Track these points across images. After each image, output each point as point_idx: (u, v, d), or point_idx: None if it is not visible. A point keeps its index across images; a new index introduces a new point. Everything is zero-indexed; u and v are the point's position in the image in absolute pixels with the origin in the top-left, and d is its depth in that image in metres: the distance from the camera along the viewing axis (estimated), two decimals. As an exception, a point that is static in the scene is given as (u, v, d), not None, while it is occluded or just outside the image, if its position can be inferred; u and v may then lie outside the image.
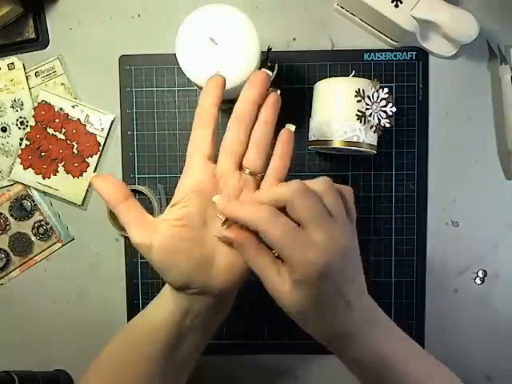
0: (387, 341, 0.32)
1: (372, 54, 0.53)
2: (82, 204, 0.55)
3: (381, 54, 0.54)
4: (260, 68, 0.45)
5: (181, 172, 0.54)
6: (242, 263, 0.33)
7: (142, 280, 0.55)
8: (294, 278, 0.30)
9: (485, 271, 0.55)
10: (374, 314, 0.34)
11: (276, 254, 0.32)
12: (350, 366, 0.34)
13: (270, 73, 0.35)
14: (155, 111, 0.54)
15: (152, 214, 0.54)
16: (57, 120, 0.54)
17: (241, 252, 0.32)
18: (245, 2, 0.53)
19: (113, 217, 0.54)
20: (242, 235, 0.32)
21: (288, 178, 0.54)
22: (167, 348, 0.36)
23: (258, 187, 0.35)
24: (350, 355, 0.32)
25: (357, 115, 0.45)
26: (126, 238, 0.55)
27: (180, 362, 0.37)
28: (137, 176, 0.55)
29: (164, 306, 0.36)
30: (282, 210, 0.32)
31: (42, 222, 0.55)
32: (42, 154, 0.55)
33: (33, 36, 0.54)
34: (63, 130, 0.55)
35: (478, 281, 0.55)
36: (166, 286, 0.37)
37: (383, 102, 0.46)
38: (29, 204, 0.56)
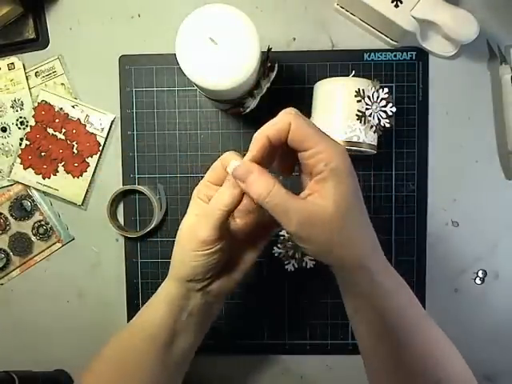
0: (396, 282, 0.35)
1: (372, 53, 0.53)
2: (82, 204, 0.55)
3: (381, 54, 0.54)
4: (260, 68, 0.45)
5: (180, 172, 0.55)
6: (238, 269, 0.39)
7: (141, 280, 0.55)
8: (332, 167, 0.30)
9: (485, 271, 0.55)
10: (377, 242, 0.34)
11: None
12: (343, 288, 0.35)
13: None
14: (155, 111, 0.54)
15: (152, 214, 0.54)
16: (57, 120, 0.54)
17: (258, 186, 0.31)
18: (245, 2, 0.53)
19: (113, 217, 0.54)
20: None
21: (289, 178, 0.54)
22: (164, 345, 0.37)
23: None
24: (356, 286, 0.33)
25: (357, 115, 0.45)
26: (126, 238, 0.55)
27: (176, 360, 0.38)
28: (137, 176, 0.55)
29: (160, 304, 0.38)
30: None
31: (42, 222, 0.55)
32: (42, 154, 0.55)
33: (33, 36, 0.54)
34: (63, 130, 0.55)
35: (478, 281, 0.55)
36: (163, 285, 0.39)
37: (383, 102, 0.46)
38: (29, 204, 0.56)
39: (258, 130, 0.32)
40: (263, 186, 0.31)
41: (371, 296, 0.33)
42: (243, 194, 0.33)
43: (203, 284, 0.37)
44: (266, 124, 0.32)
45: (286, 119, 0.31)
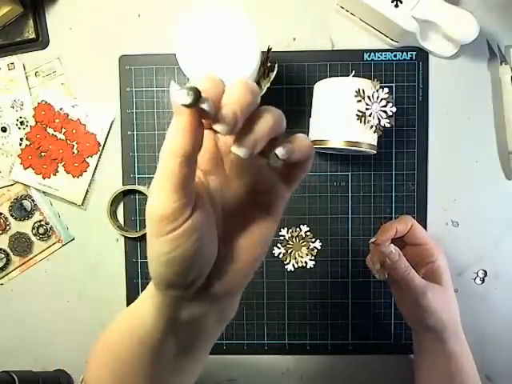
0: (468, 349, 0.46)
1: (372, 53, 0.53)
2: (82, 204, 0.55)
3: (381, 54, 0.54)
4: (260, 68, 0.45)
5: (181, 172, 0.55)
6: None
7: (141, 280, 0.55)
8: (440, 262, 0.45)
9: (485, 271, 0.55)
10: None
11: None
12: (430, 348, 0.45)
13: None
14: (155, 111, 0.54)
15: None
16: (57, 120, 0.54)
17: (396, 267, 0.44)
18: (245, 2, 0.53)
19: (113, 217, 0.54)
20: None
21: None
22: (159, 359, 0.29)
23: None
24: (448, 348, 0.44)
25: (357, 115, 0.45)
26: (126, 238, 0.55)
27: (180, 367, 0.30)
28: (137, 176, 0.55)
29: (148, 316, 0.28)
30: None
31: (42, 222, 0.55)
32: (42, 154, 0.55)
33: (33, 36, 0.54)
34: (63, 130, 0.54)
35: (478, 281, 0.55)
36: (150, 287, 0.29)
37: (383, 102, 0.46)
38: (29, 204, 0.56)
39: (389, 222, 0.47)
40: (406, 266, 0.43)
41: (456, 356, 0.44)
42: (202, 131, 0.23)
43: (193, 290, 0.25)
44: (392, 221, 0.47)
45: (409, 221, 0.46)
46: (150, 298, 0.27)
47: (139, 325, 0.28)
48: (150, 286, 0.28)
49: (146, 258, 0.55)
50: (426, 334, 0.45)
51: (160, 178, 0.22)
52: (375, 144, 0.47)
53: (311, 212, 0.54)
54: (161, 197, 0.22)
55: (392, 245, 0.44)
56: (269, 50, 0.48)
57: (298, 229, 0.54)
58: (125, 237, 0.55)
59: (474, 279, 0.55)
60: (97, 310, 0.56)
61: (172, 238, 0.22)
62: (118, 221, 0.55)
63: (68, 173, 0.55)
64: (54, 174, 0.55)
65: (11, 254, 0.56)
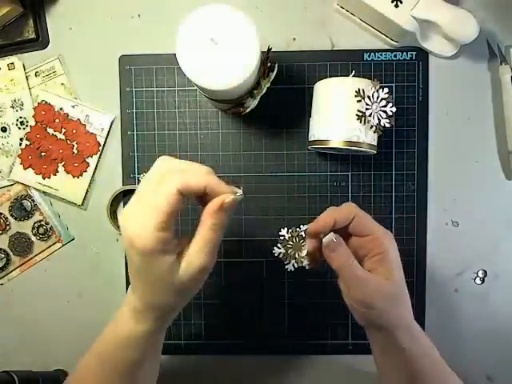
0: (427, 342, 0.41)
1: (372, 53, 0.53)
2: (82, 204, 0.55)
3: (381, 54, 0.54)
4: (260, 68, 0.45)
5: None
6: None
7: (142, 280, 0.55)
8: (389, 253, 0.39)
9: (485, 271, 0.55)
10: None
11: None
12: (382, 344, 0.40)
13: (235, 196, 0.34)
14: (155, 111, 0.54)
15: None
16: (57, 120, 0.54)
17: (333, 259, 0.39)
18: (245, 2, 0.53)
19: (113, 217, 0.54)
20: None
21: (289, 178, 0.54)
22: (143, 364, 0.38)
23: None
24: (399, 344, 0.39)
25: (357, 115, 0.45)
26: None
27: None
28: (137, 176, 0.55)
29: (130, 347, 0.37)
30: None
31: (42, 222, 0.55)
32: (42, 154, 0.55)
33: (33, 36, 0.54)
34: (63, 130, 0.54)
35: (478, 281, 0.55)
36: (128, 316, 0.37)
37: (383, 102, 0.46)
38: (29, 204, 0.56)
39: (326, 211, 0.41)
40: (347, 257, 0.39)
41: (410, 351, 0.39)
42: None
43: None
44: (333, 208, 0.41)
45: (351, 210, 0.40)
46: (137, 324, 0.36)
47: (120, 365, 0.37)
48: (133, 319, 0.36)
49: (146, 257, 0.55)
50: (377, 332, 0.40)
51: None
52: (375, 144, 0.47)
53: (311, 212, 0.54)
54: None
55: (332, 233, 0.39)
56: (269, 50, 0.48)
57: (297, 229, 0.54)
58: (125, 237, 0.55)
59: (474, 279, 0.55)
60: (97, 310, 0.56)
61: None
62: (117, 221, 0.55)
63: (68, 173, 0.55)
64: (54, 174, 0.55)
65: (11, 254, 0.56)
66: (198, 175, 0.32)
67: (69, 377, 0.41)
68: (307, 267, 0.43)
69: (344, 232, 0.41)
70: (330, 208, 0.41)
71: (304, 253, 0.43)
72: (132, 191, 0.54)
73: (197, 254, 0.33)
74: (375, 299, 0.38)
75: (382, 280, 0.38)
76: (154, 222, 0.30)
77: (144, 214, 0.31)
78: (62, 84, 0.55)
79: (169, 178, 0.31)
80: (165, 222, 0.31)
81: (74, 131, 0.55)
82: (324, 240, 0.39)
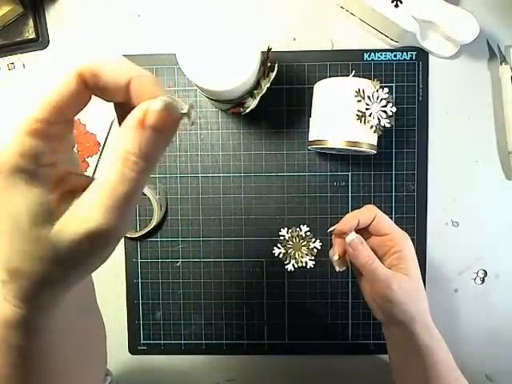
0: (442, 341, 0.42)
1: (372, 53, 0.53)
2: (82, 204, 0.55)
3: (381, 54, 0.54)
4: (260, 68, 0.45)
5: (180, 172, 0.55)
6: None
7: (141, 280, 0.55)
8: (406, 251, 0.42)
9: (485, 271, 0.55)
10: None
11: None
12: (401, 341, 0.42)
13: None
14: (155, 111, 0.54)
15: (152, 214, 0.54)
16: (57, 120, 0.54)
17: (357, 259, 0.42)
18: (245, 2, 0.53)
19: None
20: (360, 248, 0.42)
21: (289, 177, 0.54)
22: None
23: None
24: (417, 340, 0.40)
25: (357, 115, 0.45)
26: (126, 238, 0.55)
27: None
28: (137, 176, 0.55)
29: None
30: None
31: (42, 222, 0.55)
32: (42, 154, 0.55)
33: (33, 36, 0.54)
34: (63, 130, 0.54)
35: (478, 281, 0.55)
36: None
37: (383, 102, 0.46)
38: (29, 204, 0.55)
39: (351, 212, 0.44)
40: (368, 255, 0.41)
41: (428, 348, 0.40)
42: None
43: None
44: (356, 211, 0.44)
45: (373, 211, 0.43)
46: None
47: None
48: None
49: (145, 258, 0.55)
50: (395, 327, 0.42)
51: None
52: (375, 144, 0.47)
53: (311, 212, 0.54)
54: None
55: (354, 233, 0.42)
56: (269, 49, 0.48)
57: (297, 229, 0.54)
58: (125, 237, 0.55)
59: (474, 279, 0.55)
60: (97, 310, 0.56)
61: None
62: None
63: (68, 173, 0.55)
64: (54, 174, 0.55)
65: (11, 253, 0.56)
66: (121, 62, 0.21)
67: None
68: (338, 270, 0.45)
69: (364, 232, 0.44)
70: (352, 212, 0.44)
71: (335, 257, 0.45)
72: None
73: (93, 206, 0.19)
74: (397, 294, 0.40)
75: (403, 276, 0.41)
76: (27, 118, 0.19)
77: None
78: (62, 84, 0.55)
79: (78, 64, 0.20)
80: (44, 121, 0.19)
81: (74, 131, 0.54)
82: (347, 239, 0.42)
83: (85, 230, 0.19)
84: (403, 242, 0.42)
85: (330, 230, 0.45)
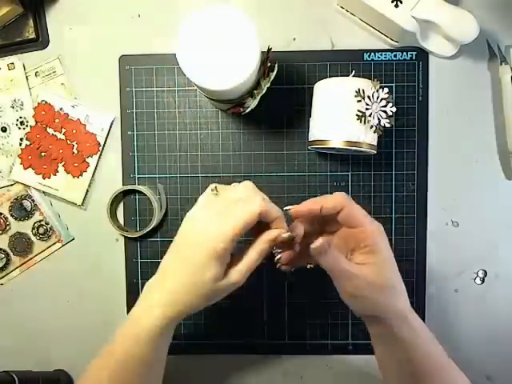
0: (425, 332, 0.40)
1: (372, 53, 0.53)
2: (82, 204, 0.55)
3: (381, 54, 0.54)
4: (260, 68, 0.45)
5: (180, 172, 0.55)
6: None
7: (141, 280, 0.55)
8: (378, 245, 0.39)
9: (485, 271, 0.55)
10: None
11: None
12: (382, 336, 0.41)
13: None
14: (155, 111, 0.54)
15: (152, 213, 0.54)
16: (57, 120, 0.54)
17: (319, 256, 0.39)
18: (245, 2, 0.53)
19: (113, 217, 0.54)
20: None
21: (289, 177, 0.54)
22: (155, 359, 0.39)
23: None
24: (396, 333, 0.39)
25: (357, 115, 0.45)
26: (126, 238, 0.55)
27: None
28: (137, 176, 0.55)
29: (151, 343, 0.37)
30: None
31: (42, 222, 0.55)
32: (42, 154, 0.55)
33: (33, 36, 0.54)
34: (63, 130, 0.54)
35: (478, 281, 0.55)
36: (154, 315, 0.37)
37: (383, 102, 0.46)
38: (29, 204, 0.56)
39: (315, 198, 0.41)
40: (335, 257, 0.38)
41: (409, 341, 0.39)
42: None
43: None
44: (322, 196, 0.41)
45: (340, 200, 0.40)
46: (157, 332, 0.37)
47: (137, 361, 0.37)
48: (154, 325, 0.37)
49: (145, 258, 0.55)
50: (373, 322, 0.41)
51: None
52: (375, 144, 0.47)
53: (311, 212, 0.54)
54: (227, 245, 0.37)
55: (320, 238, 0.38)
56: (269, 50, 0.48)
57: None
58: (125, 237, 0.55)
59: (474, 279, 0.55)
60: (97, 310, 0.56)
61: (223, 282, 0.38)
62: (117, 221, 0.55)
63: (68, 173, 0.55)
64: (54, 174, 0.55)
65: (11, 254, 0.56)
66: (276, 208, 0.38)
67: (81, 379, 0.40)
68: (281, 267, 0.43)
69: (334, 223, 0.42)
70: (317, 197, 0.41)
71: (277, 258, 0.43)
72: (132, 191, 0.54)
73: (239, 270, 0.38)
74: (365, 290, 0.38)
75: (370, 272, 0.39)
76: (231, 231, 0.36)
77: (224, 221, 0.36)
78: (62, 84, 0.55)
79: (253, 198, 0.37)
80: (239, 235, 0.36)
81: (74, 131, 0.55)
82: (312, 246, 0.38)
83: (235, 281, 0.38)
84: (375, 235, 0.39)
85: (285, 208, 0.41)
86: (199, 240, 0.36)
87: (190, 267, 0.37)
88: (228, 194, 0.38)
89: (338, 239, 0.43)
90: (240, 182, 0.54)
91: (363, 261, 0.39)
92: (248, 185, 0.39)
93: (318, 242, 0.37)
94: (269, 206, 0.37)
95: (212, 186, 0.41)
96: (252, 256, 0.38)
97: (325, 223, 0.43)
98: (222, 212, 0.37)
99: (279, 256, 0.42)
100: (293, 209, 0.41)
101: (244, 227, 0.36)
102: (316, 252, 0.38)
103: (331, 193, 0.54)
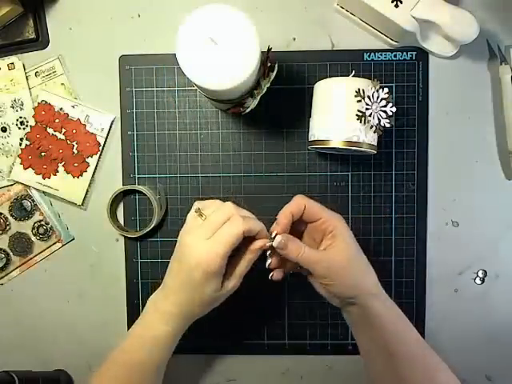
0: (396, 308, 0.44)
1: (372, 54, 0.53)
2: (82, 204, 0.55)
3: (381, 54, 0.54)
4: (260, 68, 0.45)
5: (180, 172, 0.55)
6: None
7: (141, 280, 0.55)
8: (338, 230, 0.43)
9: (485, 271, 0.55)
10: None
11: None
12: (358, 319, 0.44)
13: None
14: (155, 111, 0.55)
15: (152, 213, 0.54)
16: (57, 120, 0.54)
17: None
18: (245, 2, 0.53)
19: (113, 217, 0.54)
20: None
21: (289, 177, 0.54)
22: (163, 362, 0.45)
23: None
24: (371, 309, 0.42)
25: (357, 115, 0.45)
26: (126, 238, 0.55)
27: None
28: (137, 176, 0.55)
29: (163, 346, 0.44)
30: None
31: (42, 222, 0.55)
32: (42, 154, 0.55)
33: (33, 36, 0.54)
34: (63, 130, 0.54)
35: (478, 281, 0.55)
36: (166, 321, 0.44)
37: (383, 102, 0.46)
38: (29, 204, 0.56)
39: (283, 210, 0.45)
40: (298, 247, 0.43)
41: (384, 317, 0.42)
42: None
43: None
44: (287, 205, 0.45)
45: (301, 202, 0.45)
46: (168, 336, 0.44)
47: (150, 363, 0.44)
48: (167, 327, 0.43)
49: (145, 258, 0.55)
50: (348, 306, 0.44)
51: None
52: (375, 144, 0.47)
53: (311, 212, 0.54)
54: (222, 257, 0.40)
55: (278, 236, 0.43)
56: (269, 49, 0.48)
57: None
58: (125, 237, 0.55)
59: (474, 279, 0.55)
60: (97, 310, 0.56)
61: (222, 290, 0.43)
62: (117, 221, 0.55)
63: (68, 173, 0.55)
64: (54, 174, 0.55)
65: (11, 254, 0.56)
66: (256, 223, 0.42)
67: (93, 378, 0.44)
68: (273, 278, 0.46)
69: (299, 223, 0.46)
70: (283, 209, 0.45)
71: (268, 262, 0.46)
72: (132, 191, 0.54)
73: (234, 277, 0.43)
74: (333, 271, 0.42)
75: (334, 253, 0.43)
76: (221, 252, 0.40)
77: (213, 244, 0.40)
78: (62, 84, 0.55)
79: (236, 220, 0.41)
80: (228, 253, 0.40)
81: (74, 131, 0.55)
82: (273, 244, 0.43)
83: (232, 287, 0.43)
84: (334, 221, 0.44)
85: (273, 235, 0.44)
86: (194, 264, 0.40)
87: (190, 286, 0.42)
88: (213, 218, 0.42)
89: (307, 237, 0.47)
90: (240, 181, 0.54)
91: (328, 245, 0.44)
92: (229, 206, 0.43)
93: (277, 240, 0.42)
94: (250, 224, 0.41)
95: (195, 206, 0.44)
96: (243, 265, 0.43)
97: (293, 226, 0.46)
98: (210, 236, 0.41)
99: (269, 261, 0.45)
100: (278, 231, 0.44)
101: (231, 247, 0.40)
102: (278, 248, 0.43)
103: (331, 193, 0.54)
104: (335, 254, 0.43)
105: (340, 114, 0.46)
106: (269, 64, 0.48)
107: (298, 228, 0.47)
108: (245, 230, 0.40)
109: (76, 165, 0.55)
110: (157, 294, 0.45)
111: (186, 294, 0.42)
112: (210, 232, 0.41)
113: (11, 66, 0.54)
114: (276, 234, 0.43)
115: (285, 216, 0.44)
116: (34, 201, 0.56)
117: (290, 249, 0.43)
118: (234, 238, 0.40)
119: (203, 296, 0.42)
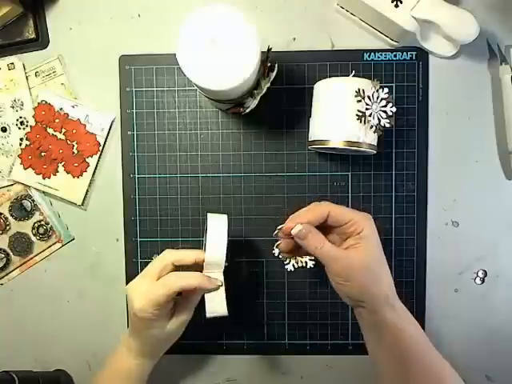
0: (408, 315, 0.43)
1: (372, 53, 0.53)
2: (82, 204, 0.55)
3: (381, 54, 0.54)
4: (260, 68, 0.45)
5: (180, 172, 0.55)
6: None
7: (142, 280, 0.55)
8: (365, 233, 0.41)
9: (485, 271, 0.55)
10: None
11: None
12: (368, 323, 0.43)
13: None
14: (155, 111, 0.55)
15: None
16: (57, 120, 0.54)
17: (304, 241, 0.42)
18: (245, 2, 0.53)
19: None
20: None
21: (289, 177, 0.54)
22: None
23: None
24: (382, 317, 0.41)
25: (357, 115, 0.45)
26: (126, 238, 0.55)
27: None
28: (137, 176, 0.55)
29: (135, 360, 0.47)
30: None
31: (42, 222, 0.55)
32: (42, 154, 0.55)
33: (33, 36, 0.54)
34: (63, 130, 0.55)
35: (478, 281, 0.55)
36: (133, 361, 0.47)
37: (383, 102, 0.46)
38: (29, 204, 0.56)
39: (299, 213, 0.44)
40: (318, 241, 0.42)
41: (394, 325, 0.41)
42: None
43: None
44: (304, 210, 0.44)
45: (323, 210, 0.43)
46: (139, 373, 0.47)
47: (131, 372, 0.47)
48: (136, 367, 0.47)
49: (145, 258, 0.55)
50: (361, 308, 0.42)
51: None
52: (375, 144, 0.47)
53: (311, 212, 0.54)
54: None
55: (299, 225, 0.42)
56: (269, 49, 0.48)
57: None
58: (125, 237, 0.55)
59: (474, 279, 0.55)
60: (97, 310, 0.56)
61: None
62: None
63: (68, 173, 0.55)
64: (54, 174, 0.55)
65: (11, 254, 0.56)
66: (191, 279, 0.42)
67: None
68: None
69: (324, 228, 0.44)
70: (299, 212, 0.44)
71: (276, 252, 0.46)
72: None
73: (187, 310, 0.46)
74: (350, 272, 0.41)
75: (356, 254, 0.41)
76: (152, 304, 0.42)
77: (147, 296, 0.42)
78: (62, 84, 0.55)
79: (168, 280, 0.43)
80: (161, 305, 0.42)
81: (74, 131, 0.55)
82: (293, 232, 0.42)
83: (185, 320, 0.46)
84: (363, 222, 0.42)
85: (275, 233, 0.45)
86: (132, 312, 0.43)
87: (137, 330, 0.45)
88: (149, 267, 0.45)
89: (334, 235, 0.45)
90: (240, 181, 0.54)
91: (352, 244, 0.42)
92: (167, 256, 0.45)
93: (297, 229, 0.42)
94: (184, 282, 0.42)
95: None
96: (195, 298, 0.46)
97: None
98: (146, 286, 0.43)
99: (279, 242, 0.45)
100: (285, 228, 0.43)
101: (166, 298, 0.42)
102: (297, 237, 0.42)
103: (331, 193, 0.54)
104: (356, 256, 0.41)
105: (340, 114, 0.46)
106: (269, 64, 0.48)
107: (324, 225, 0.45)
108: (177, 288, 0.42)
109: (76, 165, 0.55)
110: (127, 333, 0.48)
111: (140, 338, 0.45)
112: (146, 282, 0.43)
113: (11, 66, 0.54)
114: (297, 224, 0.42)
115: (300, 219, 0.43)
116: (34, 201, 0.56)
117: (309, 240, 0.42)
118: (164, 296, 0.42)
119: (152, 338, 0.45)
